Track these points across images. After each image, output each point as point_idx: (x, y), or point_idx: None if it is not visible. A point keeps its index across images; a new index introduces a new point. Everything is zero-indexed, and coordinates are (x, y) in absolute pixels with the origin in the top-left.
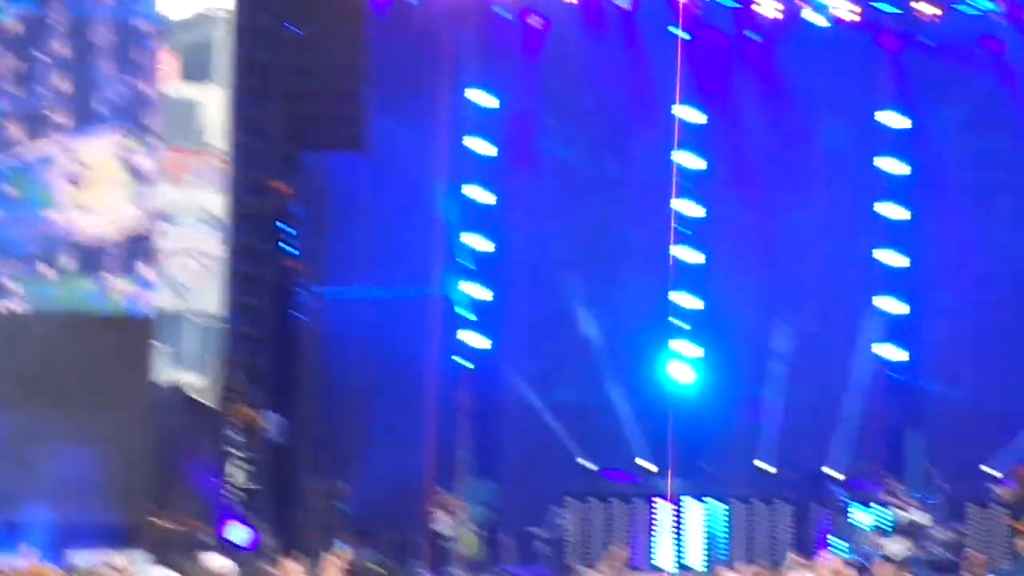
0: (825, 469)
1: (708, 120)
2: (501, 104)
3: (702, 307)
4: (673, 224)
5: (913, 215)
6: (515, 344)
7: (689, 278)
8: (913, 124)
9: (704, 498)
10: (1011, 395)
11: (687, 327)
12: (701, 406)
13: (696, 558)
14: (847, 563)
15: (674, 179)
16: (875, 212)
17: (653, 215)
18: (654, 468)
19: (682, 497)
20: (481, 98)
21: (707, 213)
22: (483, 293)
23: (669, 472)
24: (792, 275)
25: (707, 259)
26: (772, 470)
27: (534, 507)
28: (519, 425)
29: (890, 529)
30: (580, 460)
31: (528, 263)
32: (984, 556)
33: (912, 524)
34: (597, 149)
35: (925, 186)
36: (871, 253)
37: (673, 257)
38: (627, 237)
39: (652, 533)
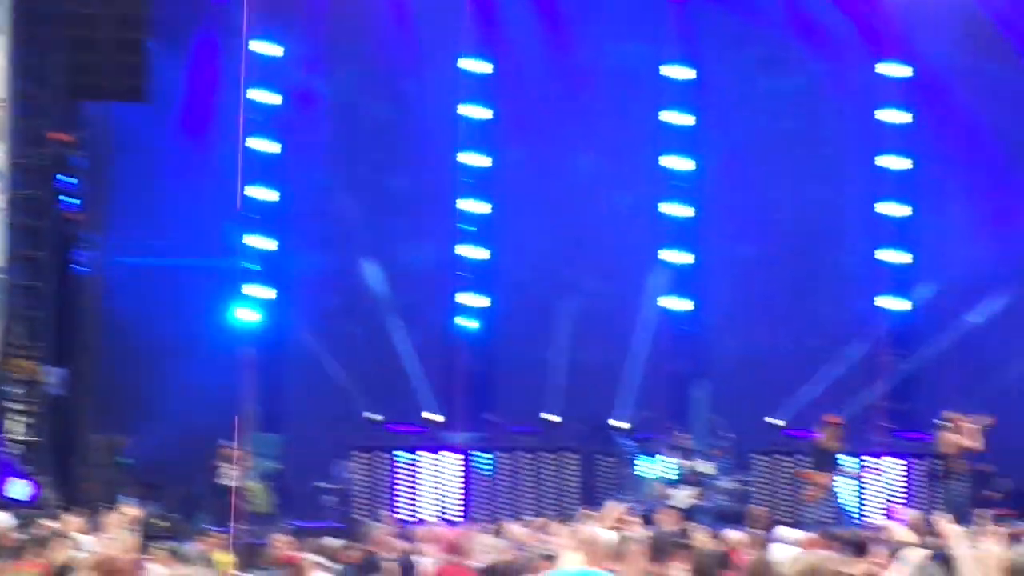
0: (611, 421)
1: (494, 70)
2: (285, 53)
3: (488, 257)
4: (458, 175)
5: (698, 165)
6: (301, 296)
7: (478, 229)
8: (698, 75)
9: (492, 450)
10: (796, 346)
11: (471, 277)
12: (489, 357)
13: (484, 509)
14: (632, 512)
15: (459, 130)
16: (660, 165)
17: (439, 165)
18: (440, 419)
19: (470, 449)
20: (265, 48)
21: (492, 163)
22: (268, 244)
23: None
24: (579, 225)
25: (493, 209)
26: (557, 419)
27: (321, 460)
28: (305, 378)
29: (675, 479)
30: (367, 414)
31: (312, 213)
32: (766, 509)
33: (697, 474)
34: (382, 98)
35: (711, 137)
36: (656, 205)
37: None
38: (413, 187)
39: (438, 485)
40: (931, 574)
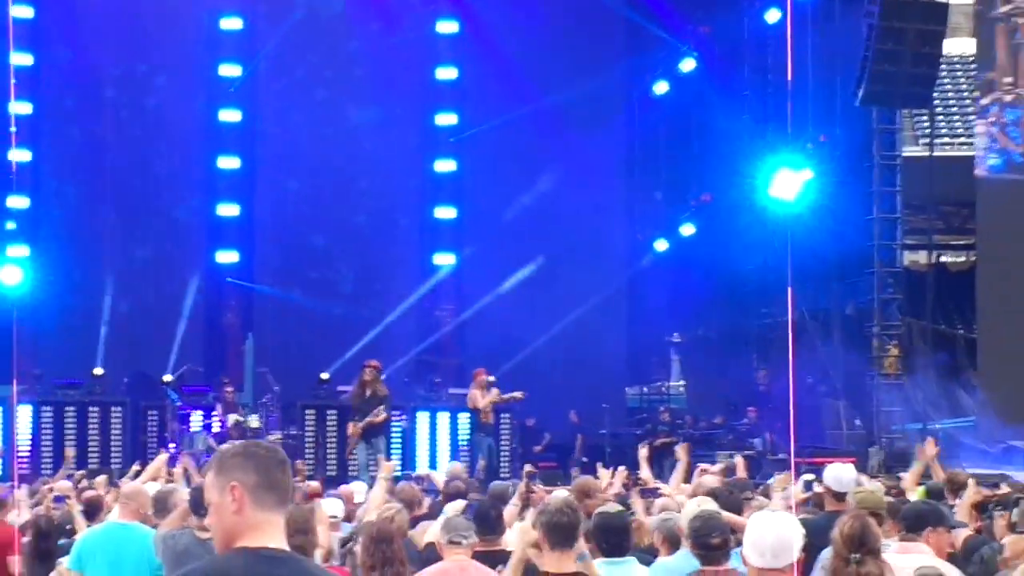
0: (163, 375)
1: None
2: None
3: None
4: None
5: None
6: None
7: None
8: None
9: (42, 405)
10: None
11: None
12: (41, 312)
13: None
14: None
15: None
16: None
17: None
18: None
19: (19, 405)
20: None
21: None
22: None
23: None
24: None
25: None
26: (98, 372)
27: None
28: None
29: (220, 431)
30: None
31: None
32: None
33: (243, 426)
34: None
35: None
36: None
37: None
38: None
39: None
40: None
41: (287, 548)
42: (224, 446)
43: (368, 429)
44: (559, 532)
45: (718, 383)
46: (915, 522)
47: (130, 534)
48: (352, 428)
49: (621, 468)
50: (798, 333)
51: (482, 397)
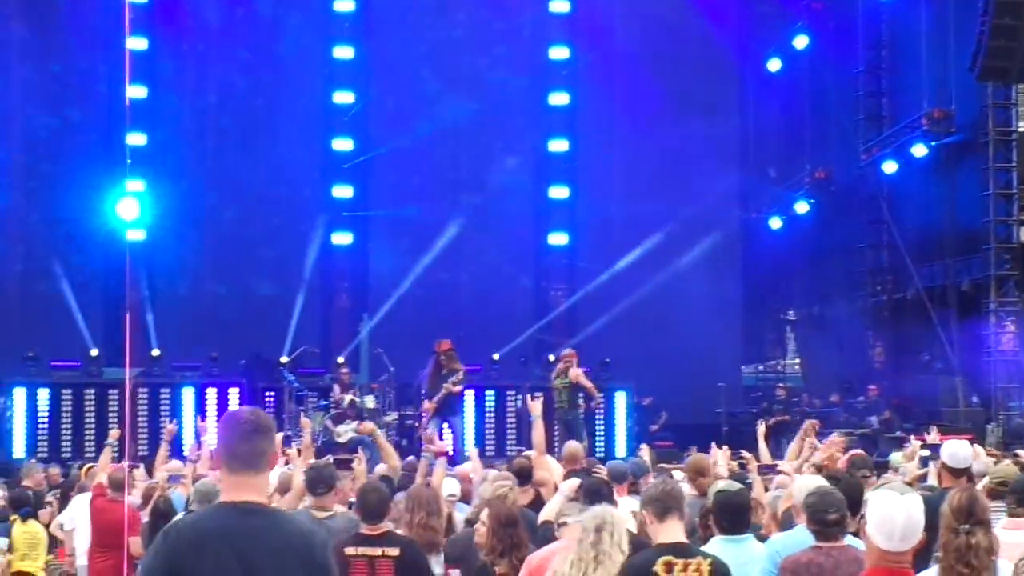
0: (280, 357)
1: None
2: None
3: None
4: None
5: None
6: None
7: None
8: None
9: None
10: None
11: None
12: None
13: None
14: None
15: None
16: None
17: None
18: (95, 352)
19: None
20: None
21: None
22: None
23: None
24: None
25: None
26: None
27: None
28: None
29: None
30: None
31: None
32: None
33: (358, 407)
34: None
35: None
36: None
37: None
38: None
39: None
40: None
41: (263, 502)
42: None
43: (444, 404)
44: (659, 504)
45: (834, 361)
46: None
47: None
48: (428, 404)
49: (724, 448)
50: (914, 310)
51: (583, 376)
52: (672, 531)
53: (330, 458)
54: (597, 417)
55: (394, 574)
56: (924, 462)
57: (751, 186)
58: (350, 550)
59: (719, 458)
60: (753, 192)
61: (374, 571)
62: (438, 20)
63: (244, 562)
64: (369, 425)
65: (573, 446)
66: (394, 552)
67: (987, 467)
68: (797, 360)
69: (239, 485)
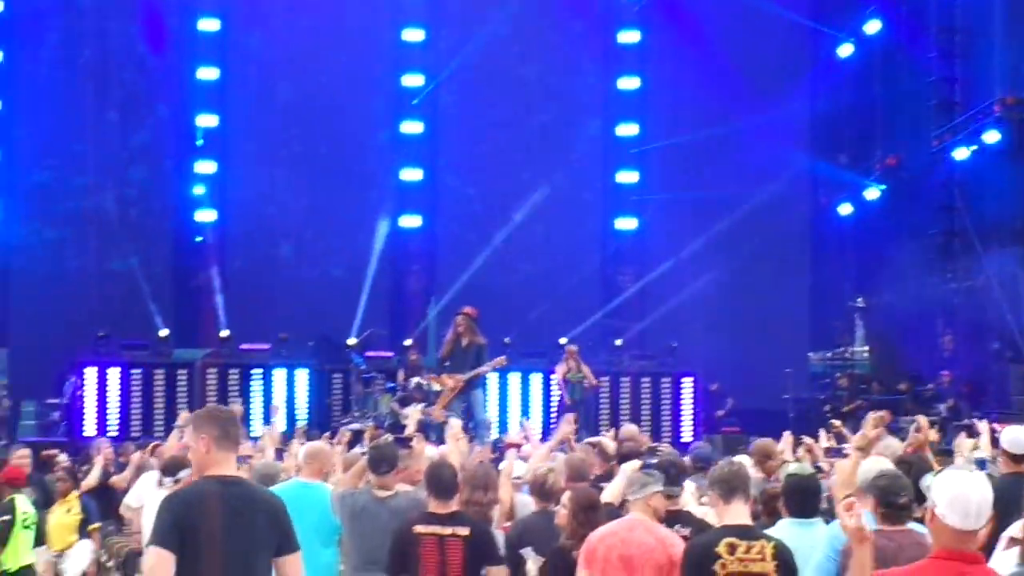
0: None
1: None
2: None
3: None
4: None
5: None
6: (25, 210)
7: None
8: None
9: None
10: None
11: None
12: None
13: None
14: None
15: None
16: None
17: None
18: (164, 332)
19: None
20: None
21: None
22: None
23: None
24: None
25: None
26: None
27: (50, 375)
28: (30, 292)
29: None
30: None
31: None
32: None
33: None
34: None
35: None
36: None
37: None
38: None
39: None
40: (645, 481)
41: (241, 476)
42: (198, 410)
43: (471, 381)
44: (725, 485)
45: (903, 348)
46: None
47: (313, 493)
48: (453, 381)
49: (787, 433)
50: (984, 298)
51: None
52: (737, 513)
53: (390, 436)
54: (663, 401)
55: (463, 553)
56: (981, 464)
57: (821, 172)
58: (420, 528)
59: (785, 445)
60: (823, 178)
61: (444, 549)
62: (508, 1)
63: (229, 514)
64: (440, 411)
65: (631, 428)
66: (464, 531)
67: None
68: (866, 348)
69: (223, 462)
